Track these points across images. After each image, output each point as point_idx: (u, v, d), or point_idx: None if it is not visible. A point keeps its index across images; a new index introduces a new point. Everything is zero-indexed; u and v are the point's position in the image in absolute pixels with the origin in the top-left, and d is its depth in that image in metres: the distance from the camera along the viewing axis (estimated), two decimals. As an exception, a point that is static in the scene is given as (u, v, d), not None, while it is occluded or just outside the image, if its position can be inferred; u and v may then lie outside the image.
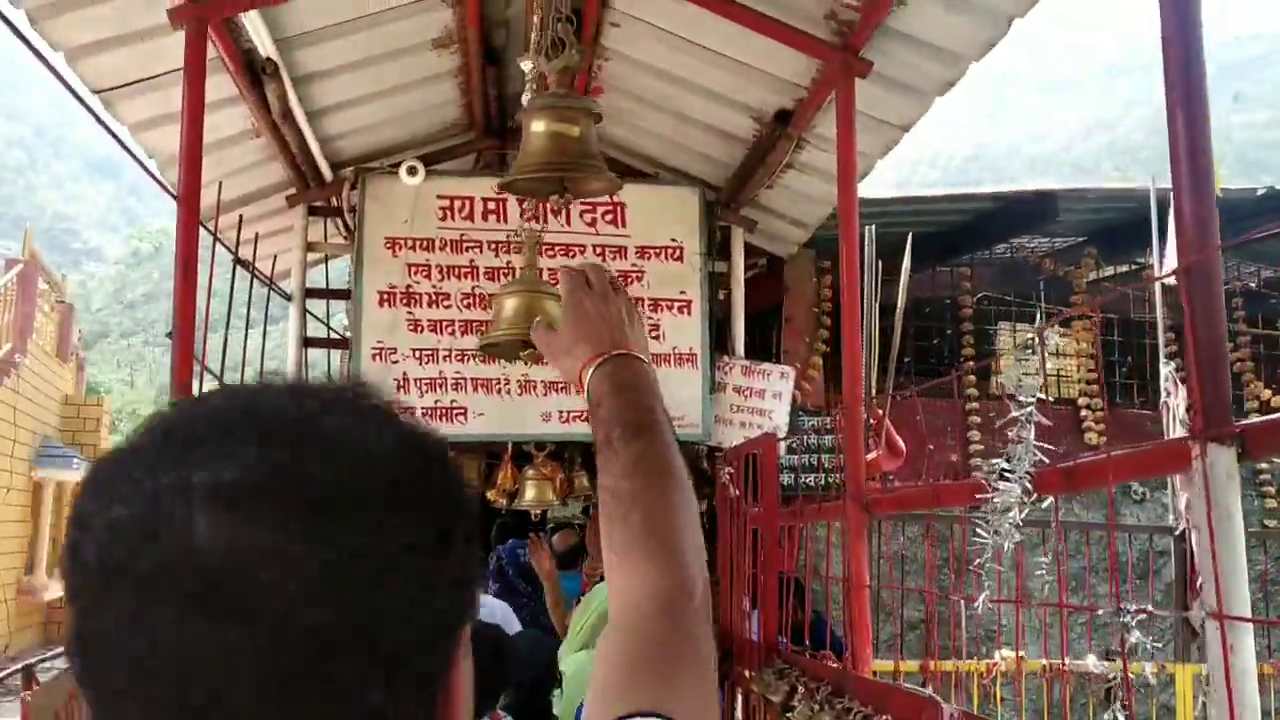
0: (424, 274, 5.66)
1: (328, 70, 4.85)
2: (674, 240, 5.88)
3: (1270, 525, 9.14)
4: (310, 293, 5.88)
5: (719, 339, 5.98)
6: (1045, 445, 2.61)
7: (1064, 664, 6.82)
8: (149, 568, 0.56)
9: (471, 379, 5.63)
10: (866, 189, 5.67)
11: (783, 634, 4.85)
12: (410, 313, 5.62)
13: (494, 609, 5.21)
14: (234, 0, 3.92)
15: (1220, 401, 1.94)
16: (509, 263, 5.74)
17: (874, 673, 4.92)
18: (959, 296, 9.22)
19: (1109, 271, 9.68)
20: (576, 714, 4.30)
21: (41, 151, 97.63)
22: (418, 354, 5.60)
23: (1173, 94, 2.12)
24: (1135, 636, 2.17)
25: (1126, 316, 9.40)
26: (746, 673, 5.00)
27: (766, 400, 5.95)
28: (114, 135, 4.42)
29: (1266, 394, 9.33)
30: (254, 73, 4.49)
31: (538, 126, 2.71)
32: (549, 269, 5.74)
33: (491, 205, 5.78)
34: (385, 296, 5.61)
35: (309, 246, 5.81)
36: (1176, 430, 7.11)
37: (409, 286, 5.64)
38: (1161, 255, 7.14)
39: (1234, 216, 7.90)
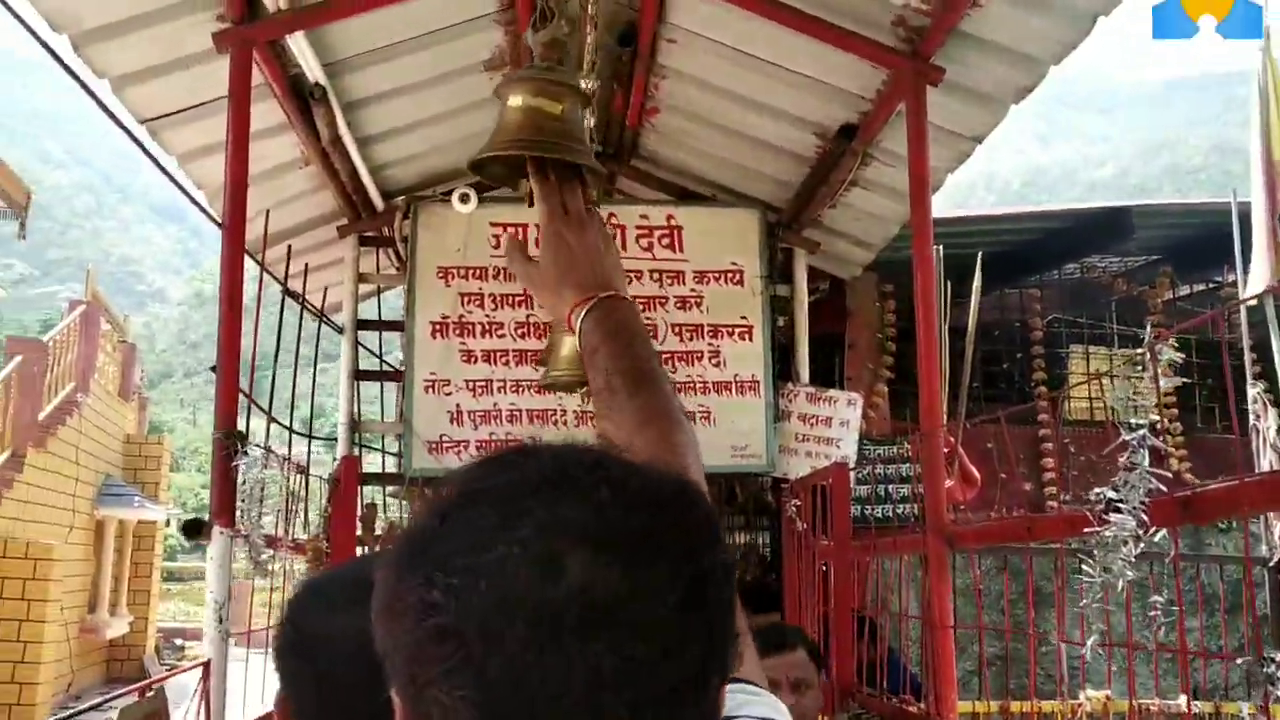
0: (477, 303, 5.51)
1: (377, 95, 4.73)
2: (734, 264, 5.67)
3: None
4: (362, 324, 5.75)
5: (782, 365, 5.75)
6: (1159, 472, 2.36)
7: (1154, 705, 6.46)
8: (541, 604, 0.60)
9: (527, 410, 5.45)
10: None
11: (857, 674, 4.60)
12: (464, 343, 5.47)
13: None
14: (280, 22, 3.80)
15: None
16: (564, 291, 5.57)
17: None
18: (1029, 319, 8.91)
19: (1184, 290, 9.31)
20: None
21: (108, 197, 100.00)
22: (471, 385, 5.44)
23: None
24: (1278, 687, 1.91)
25: (1206, 337, 9.01)
26: (820, 717, 4.75)
27: (833, 428, 5.70)
28: (158, 164, 4.31)
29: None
30: (302, 98, 4.38)
31: (514, 101, 2.47)
32: (605, 296, 5.63)
33: (546, 232, 5.61)
34: (438, 327, 5.47)
35: (360, 278, 5.69)
36: (1267, 454, 6.75)
37: (462, 316, 5.49)
38: (1245, 272, 6.81)
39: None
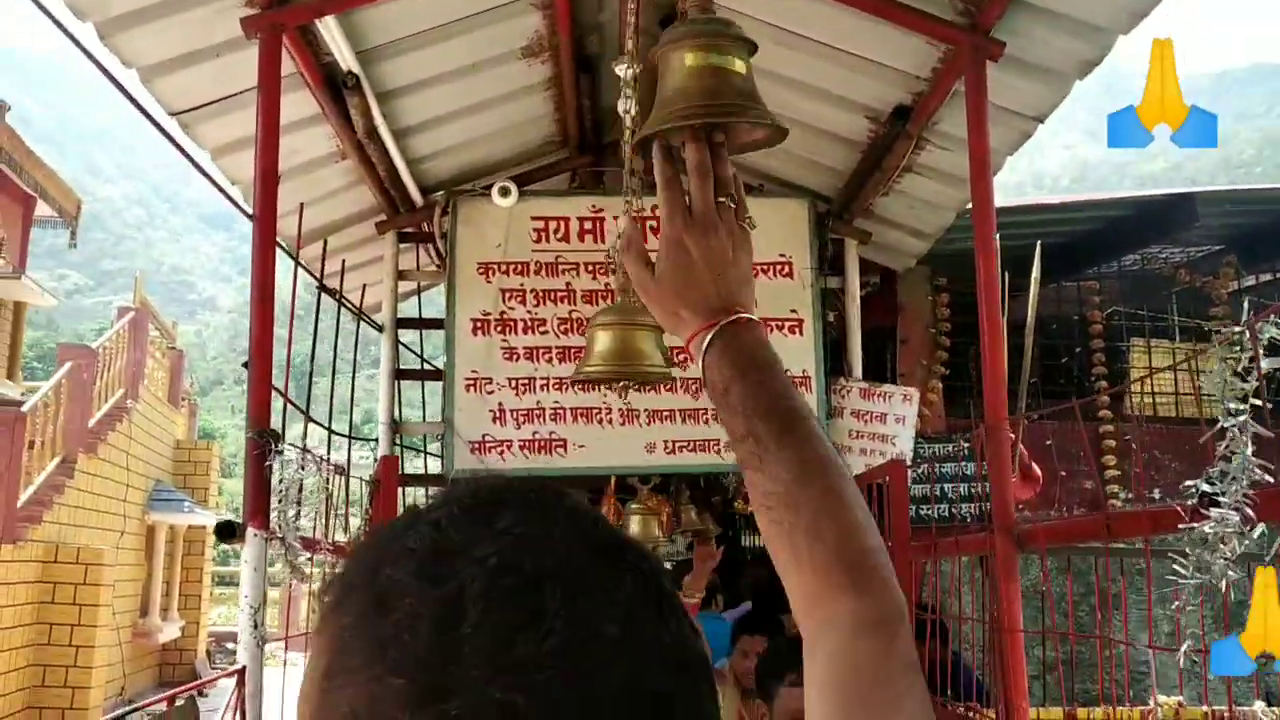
0: (519, 299, 5.37)
1: (412, 84, 4.60)
2: (782, 255, 5.49)
3: None
4: (402, 323, 5.63)
5: (833, 361, 5.55)
6: (1262, 463, 2.15)
7: (1231, 712, 6.18)
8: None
9: (571, 409, 5.30)
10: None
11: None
12: (505, 340, 5.33)
13: None
14: (310, 7, 3.68)
15: None
16: (606, 285, 5.41)
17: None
18: (1087, 312, 8.62)
19: (1250, 281, 8.97)
20: None
21: (158, 208, 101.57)
22: (514, 384, 5.30)
23: None
24: None
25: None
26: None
27: (888, 425, 5.49)
28: (187, 155, 4.20)
29: None
30: (335, 88, 4.25)
31: (682, 61, 2.23)
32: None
33: (588, 225, 5.47)
34: (479, 324, 5.33)
35: (400, 275, 5.56)
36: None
37: (503, 313, 5.35)
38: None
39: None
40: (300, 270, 5.20)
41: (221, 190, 4.33)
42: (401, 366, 5.64)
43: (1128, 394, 8.34)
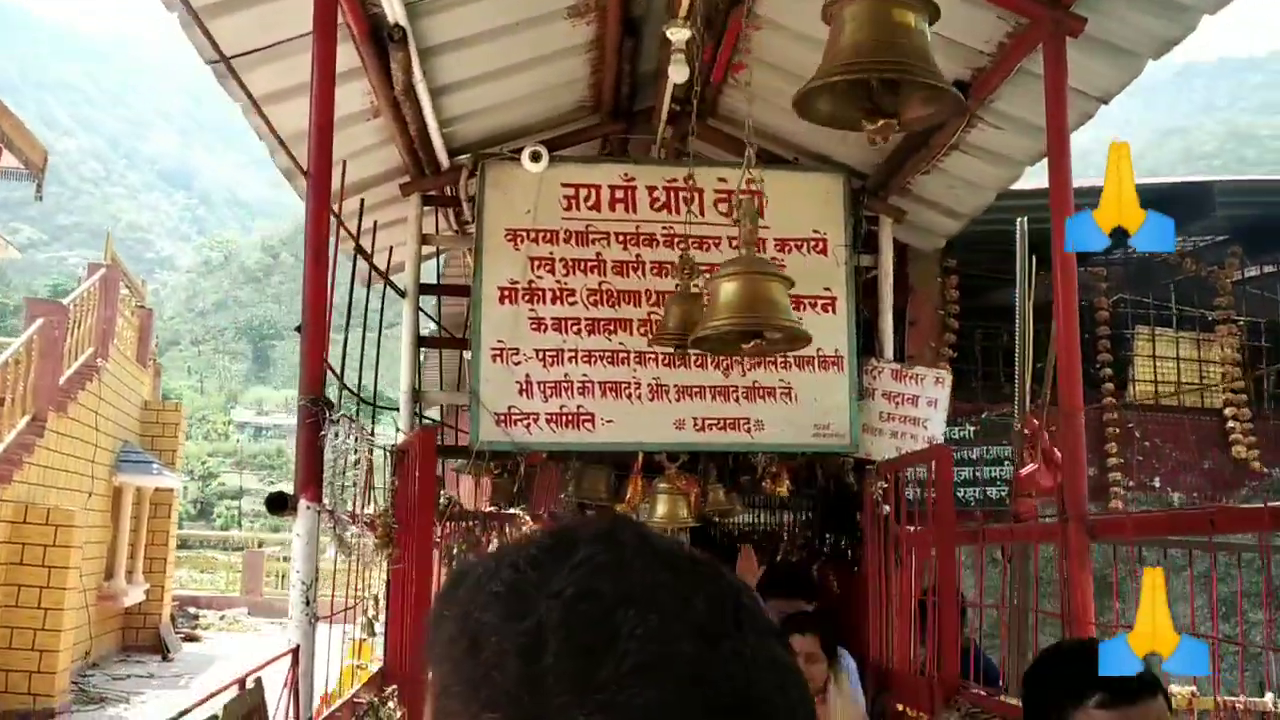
0: (547, 268, 5.22)
1: (456, 40, 4.42)
2: (816, 232, 5.37)
3: None
4: (424, 289, 5.45)
5: (865, 340, 5.45)
6: None
7: (1240, 702, 6.20)
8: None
9: (599, 383, 5.17)
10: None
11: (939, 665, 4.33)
12: (533, 310, 5.18)
13: None
14: (368, -47, 3.49)
15: None
16: (638, 256, 5.28)
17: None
18: (1095, 298, 8.59)
19: (1253, 272, 8.99)
20: None
21: (116, 164, 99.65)
22: (541, 355, 5.15)
23: None
24: None
25: (1275, 320, 8.70)
26: (915, 713, 4.48)
27: (920, 408, 5.40)
28: (250, 97, 4.00)
29: None
30: (379, 41, 4.06)
31: (860, 13, 2.09)
32: (673, 263, 5.32)
33: (619, 194, 5.32)
34: (506, 293, 5.17)
35: (423, 239, 5.38)
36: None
37: (531, 282, 5.20)
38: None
39: None
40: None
41: (284, 145, 4.11)
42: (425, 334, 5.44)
43: (1131, 382, 8.33)
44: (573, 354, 5.17)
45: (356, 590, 4.41)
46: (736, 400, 5.21)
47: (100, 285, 14.68)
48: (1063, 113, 3.68)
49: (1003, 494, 8.11)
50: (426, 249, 5.56)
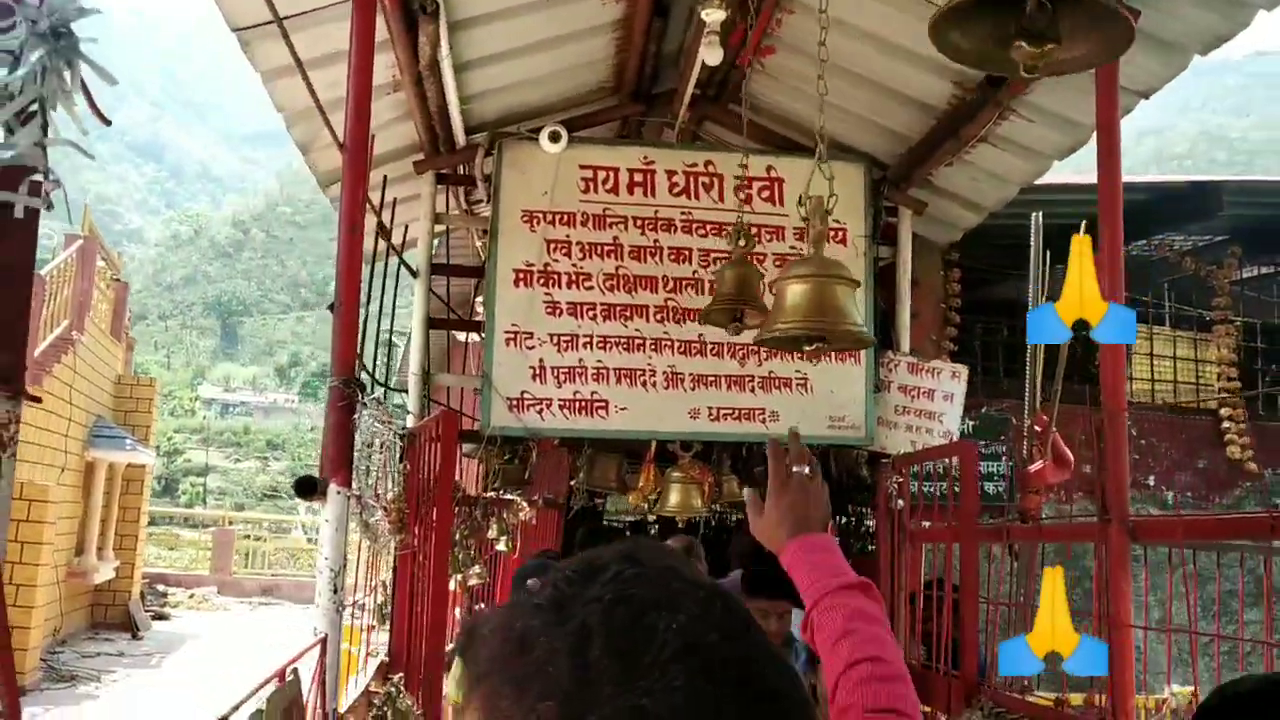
0: (564, 251, 5.11)
1: (485, 15, 4.30)
2: (836, 222, 5.27)
3: None
4: (436, 269, 5.33)
5: (882, 333, 5.39)
6: None
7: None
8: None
9: (614, 369, 5.07)
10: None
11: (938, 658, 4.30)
12: (548, 293, 5.07)
13: None
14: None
15: None
16: (655, 241, 5.18)
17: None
18: (1094, 295, 8.58)
19: (1251, 273, 9.01)
20: None
21: (84, 134, 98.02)
22: (555, 339, 5.05)
23: None
24: None
25: (1271, 321, 8.73)
26: (931, 710, 4.43)
27: (936, 401, 5.35)
28: (298, 70, 3.86)
29: None
30: (410, 13, 3.93)
31: None
32: (699, 248, 5.23)
33: (638, 178, 5.22)
34: (521, 275, 5.07)
35: (436, 218, 5.26)
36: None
37: (547, 265, 5.09)
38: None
39: None
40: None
41: (323, 114, 3.97)
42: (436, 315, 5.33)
43: (1128, 380, 8.32)
44: (588, 339, 5.07)
45: (371, 577, 4.31)
46: (752, 390, 5.13)
47: (77, 257, 14.41)
48: (1113, 106, 3.62)
49: (999, 489, 8.10)
50: (438, 228, 5.44)
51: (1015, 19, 1.86)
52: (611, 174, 5.20)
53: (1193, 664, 4.97)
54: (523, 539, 6.33)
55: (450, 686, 1.90)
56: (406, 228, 5.38)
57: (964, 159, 5.03)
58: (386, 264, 5.07)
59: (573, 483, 5.66)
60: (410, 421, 4.88)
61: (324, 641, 2.99)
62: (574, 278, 5.11)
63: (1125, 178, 4.18)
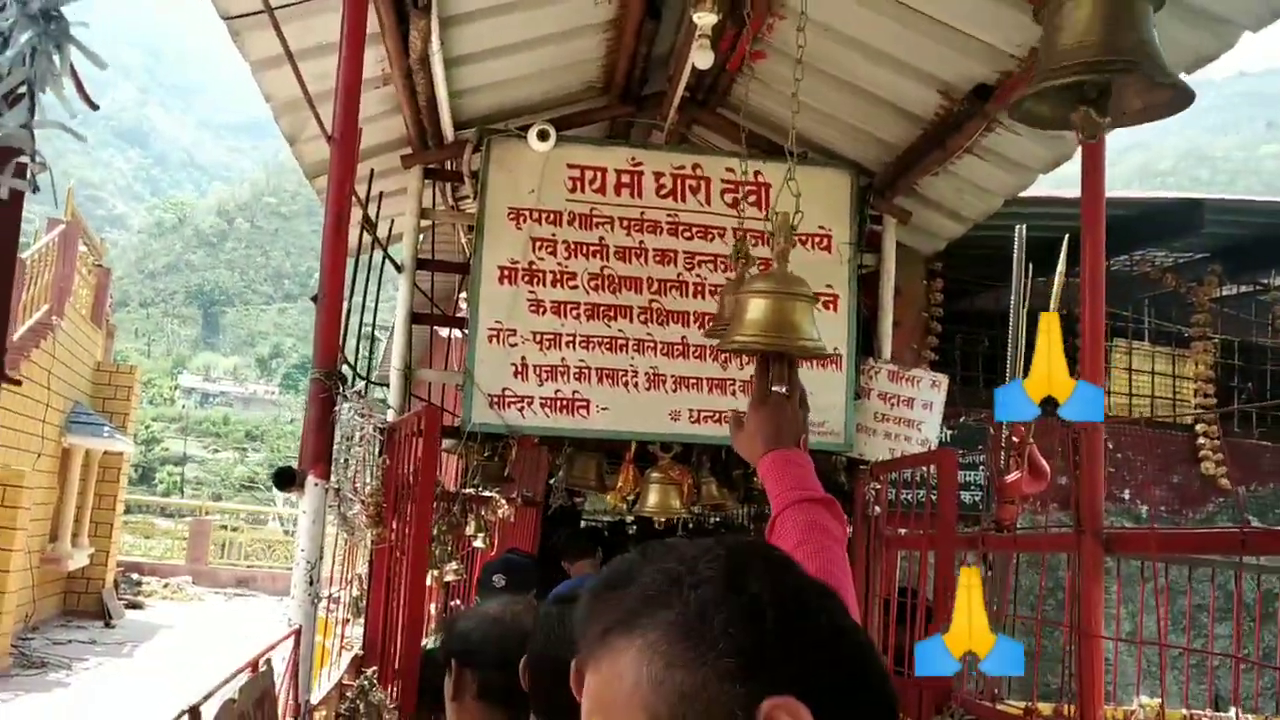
0: (549, 249, 5.12)
1: (477, 10, 4.30)
2: (821, 228, 5.32)
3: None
4: (422, 263, 5.33)
5: (864, 340, 5.42)
6: None
7: (1206, 714, 6.26)
8: None
9: (596, 369, 5.08)
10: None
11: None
12: (532, 291, 5.08)
13: None
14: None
15: None
16: (641, 242, 5.20)
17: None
18: (1075, 309, 8.63)
19: (1231, 290, 9.08)
20: None
21: (67, 115, 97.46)
22: (538, 338, 5.06)
23: None
24: None
25: (1248, 339, 8.80)
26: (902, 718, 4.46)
27: (915, 410, 5.38)
28: (282, 54, 3.85)
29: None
30: (400, 6, 3.93)
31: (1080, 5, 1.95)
32: (684, 251, 5.24)
33: (625, 179, 5.23)
34: (506, 273, 5.07)
35: (422, 213, 5.26)
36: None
37: (532, 263, 5.10)
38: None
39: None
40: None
41: (312, 106, 3.96)
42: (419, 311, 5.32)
43: (1106, 394, 8.38)
44: (570, 338, 5.08)
45: (347, 569, 4.30)
46: (734, 394, 5.15)
47: (59, 241, 14.32)
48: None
49: (976, 499, 8.14)
50: (424, 223, 5.44)
51: (1078, 92, 2.00)
52: (599, 174, 5.21)
53: (1161, 677, 5.02)
54: (500, 536, 6.34)
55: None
56: (392, 222, 5.38)
57: (950, 170, 5.06)
58: (371, 257, 5.07)
59: (551, 481, 5.66)
60: (391, 416, 4.87)
61: (298, 633, 2.99)
62: (559, 276, 5.11)
63: (1109, 193, 4.22)
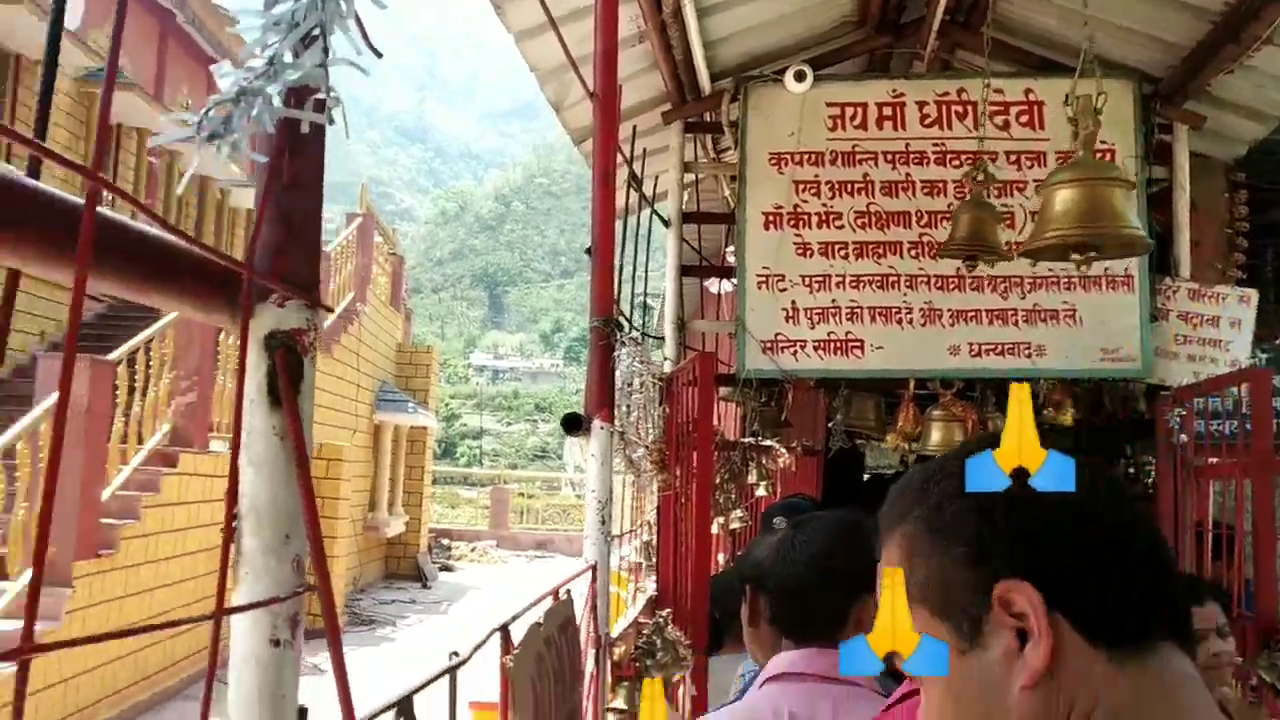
0: (812, 191, 5.07)
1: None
2: (1104, 142, 4.98)
3: None
4: (687, 217, 5.41)
5: (1159, 259, 5.06)
6: None
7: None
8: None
9: (868, 308, 5.00)
10: None
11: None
12: (799, 235, 5.05)
13: None
14: None
15: None
16: (907, 175, 5.06)
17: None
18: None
19: None
20: None
21: (356, 120, 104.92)
22: (807, 281, 5.03)
23: None
24: None
25: None
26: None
27: (1221, 329, 4.98)
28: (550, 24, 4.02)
29: None
30: (652, -39, 3.99)
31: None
32: (953, 180, 5.06)
33: (887, 112, 5.10)
34: (771, 218, 5.07)
35: (685, 167, 5.34)
36: None
37: (796, 206, 5.07)
38: None
39: None
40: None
41: (575, 67, 4.11)
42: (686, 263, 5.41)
43: None
44: (840, 279, 5.02)
45: (636, 516, 4.46)
46: (1016, 324, 4.94)
47: (357, 233, 15.49)
48: None
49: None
50: (688, 177, 5.51)
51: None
52: (859, 110, 5.10)
53: None
54: (782, 485, 6.37)
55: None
56: (656, 179, 5.48)
57: (1246, 64, 4.62)
58: (639, 217, 5.19)
59: (830, 424, 5.63)
60: (668, 369, 4.99)
61: (594, 569, 3.13)
62: (824, 218, 5.06)
63: None
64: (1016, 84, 5.06)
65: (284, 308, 0.88)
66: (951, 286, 4.99)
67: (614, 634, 3.62)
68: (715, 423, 5.77)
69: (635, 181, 4.81)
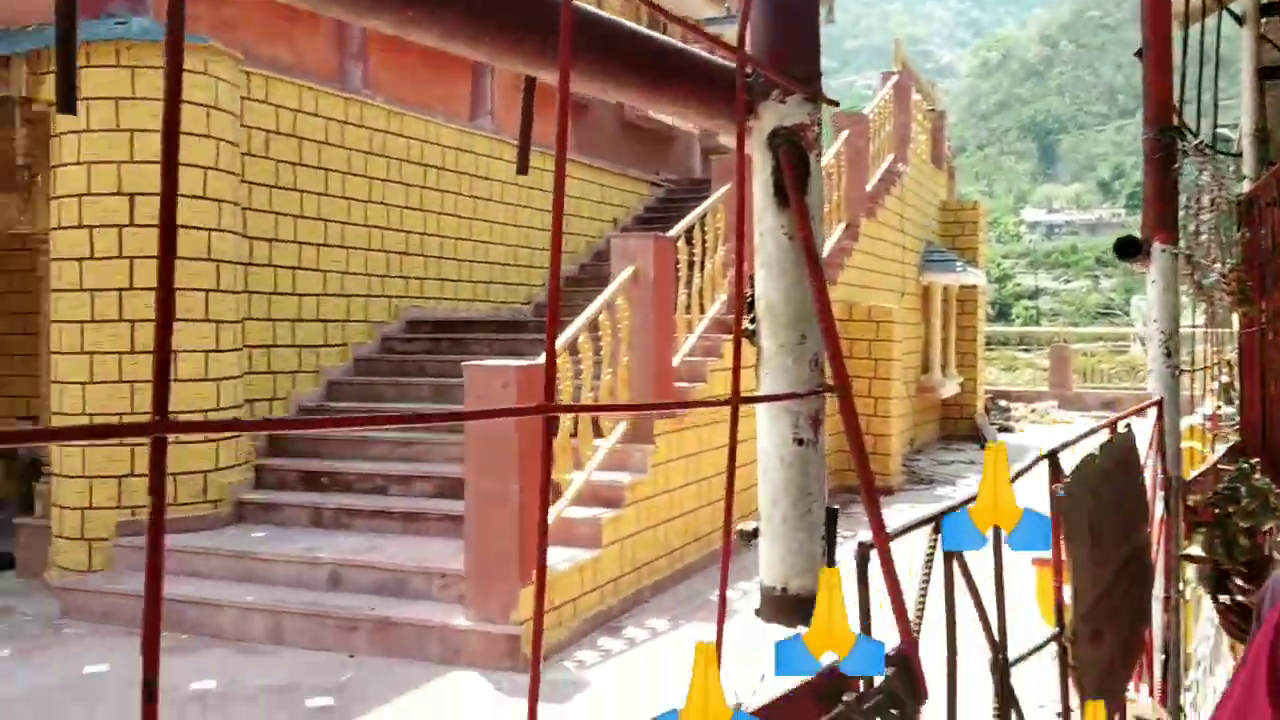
0: None
1: None
2: None
3: None
4: (1266, 9, 4.64)
5: None
6: None
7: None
8: None
9: None
10: None
11: None
12: None
13: None
14: None
15: None
16: None
17: None
18: None
19: None
20: None
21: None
22: None
23: None
24: None
25: None
26: None
27: None
28: None
29: None
30: None
31: None
32: None
33: None
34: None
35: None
36: None
37: None
38: None
39: None
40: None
41: None
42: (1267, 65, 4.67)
43: None
44: None
45: (1208, 355, 4.00)
46: None
47: (893, 93, 15.23)
48: None
49: None
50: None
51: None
52: None
53: None
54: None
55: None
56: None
57: None
58: (1204, 18, 4.54)
59: None
60: (1246, 188, 4.37)
61: (1160, 404, 2.85)
62: None
63: None
64: None
65: (785, 104, 0.85)
66: None
67: (1187, 478, 3.29)
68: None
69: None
